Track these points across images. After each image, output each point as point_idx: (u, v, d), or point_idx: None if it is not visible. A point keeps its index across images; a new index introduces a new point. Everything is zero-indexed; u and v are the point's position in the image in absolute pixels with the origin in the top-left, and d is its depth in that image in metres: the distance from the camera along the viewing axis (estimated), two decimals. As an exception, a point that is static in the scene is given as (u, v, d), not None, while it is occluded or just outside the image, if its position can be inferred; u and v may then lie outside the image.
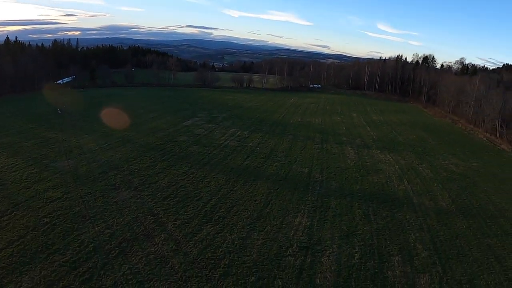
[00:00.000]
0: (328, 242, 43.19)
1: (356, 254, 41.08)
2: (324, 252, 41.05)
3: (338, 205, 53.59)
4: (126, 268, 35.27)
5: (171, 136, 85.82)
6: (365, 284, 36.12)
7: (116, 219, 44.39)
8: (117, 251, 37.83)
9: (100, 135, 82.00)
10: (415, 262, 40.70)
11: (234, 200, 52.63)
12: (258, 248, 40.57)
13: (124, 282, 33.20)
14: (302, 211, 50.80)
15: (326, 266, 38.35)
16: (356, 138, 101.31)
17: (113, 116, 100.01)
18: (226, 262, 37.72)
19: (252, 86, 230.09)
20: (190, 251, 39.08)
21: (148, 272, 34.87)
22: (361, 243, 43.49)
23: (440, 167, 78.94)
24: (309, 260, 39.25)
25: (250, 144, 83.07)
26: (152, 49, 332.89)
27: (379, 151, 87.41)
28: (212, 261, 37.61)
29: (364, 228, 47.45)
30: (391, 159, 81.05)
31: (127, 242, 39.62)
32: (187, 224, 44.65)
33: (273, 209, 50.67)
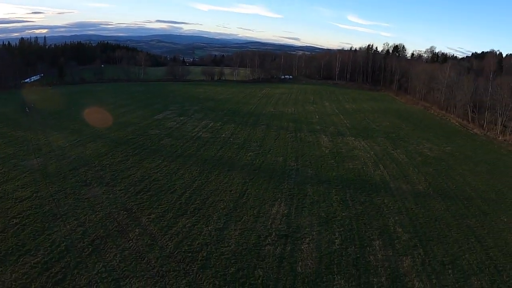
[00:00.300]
0: (307, 229, 42.34)
1: (336, 240, 40.36)
2: (303, 239, 40.17)
3: (315, 192, 52.88)
4: (101, 266, 33.62)
5: (142, 130, 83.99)
6: (347, 270, 35.40)
7: (88, 216, 42.55)
8: (90, 249, 36.08)
9: (70, 131, 79.59)
10: (397, 245, 40.20)
11: (209, 191, 51.38)
12: (236, 239, 39.47)
13: (99, 281, 31.62)
14: (279, 199, 49.87)
15: (306, 254, 37.48)
16: (330, 126, 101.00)
17: (86, 114, 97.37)
18: (204, 254, 36.46)
19: (223, 78, 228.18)
20: (166, 245, 37.70)
21: (124, 269, 33.34)
22: (341, 229, 42.82)
23: (414, 152, 79.00)
24: (289, 248, 38.33)
25: (223, 135, 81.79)
26: (121, 45, 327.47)
27: (353, 138, 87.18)
28: (190, 254, 36.30)
29: (343, 213, 46.81)
30: (366, 146, 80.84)
31: (100, 239, 37.88)
32: (162, 218, 43.22)
33: (249, 198, 49.64)
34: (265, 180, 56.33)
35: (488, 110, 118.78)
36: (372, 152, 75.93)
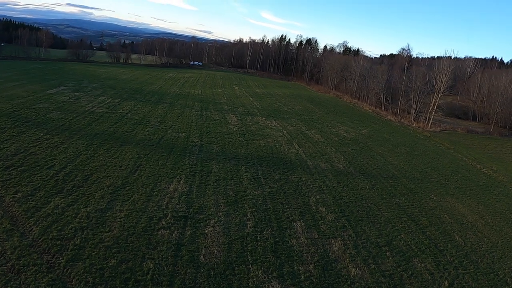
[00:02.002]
0: (212, 209, 34.61)
1: (248, 222, 33.00)
2: (208, 222, 32.39)
3: (222, 169, 45.18)
4: None
5: (29, 103, 72.03)
6: (265, 257, 28.23)
7: None
8: None
9: None
10: (322, 226, 33.76)
11: (94, 167, 41.94)
12: (121, 222, 30.75)
13: None
14: (178, 176, 41.57)
15: (211, 239, 29.74)
16: (239, 107, 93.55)
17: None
18: (77, 242, 27.46)
19: (130, 62, 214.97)
20: (30, 231, 28.23)
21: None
22: (253, 209, 35.50)
23: (330, 133, 73.86)
24: (188, 232, 30.32)
25: (120, 111, 71.85)
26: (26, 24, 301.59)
27: (264, 118, 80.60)
28: (58, 242, 27.12)
29: (255, 192, 39.51)
30: (278, 125, 74.48)
31: None
32: (30, 197, 33.45)
33: (142, 175, 40.91)
34: (162, 155, 47.74)
35: (402, 97, 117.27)
36: (285, 131, 69.58)
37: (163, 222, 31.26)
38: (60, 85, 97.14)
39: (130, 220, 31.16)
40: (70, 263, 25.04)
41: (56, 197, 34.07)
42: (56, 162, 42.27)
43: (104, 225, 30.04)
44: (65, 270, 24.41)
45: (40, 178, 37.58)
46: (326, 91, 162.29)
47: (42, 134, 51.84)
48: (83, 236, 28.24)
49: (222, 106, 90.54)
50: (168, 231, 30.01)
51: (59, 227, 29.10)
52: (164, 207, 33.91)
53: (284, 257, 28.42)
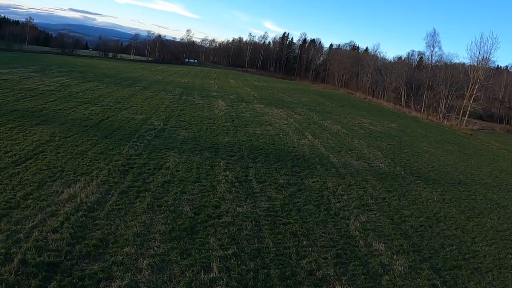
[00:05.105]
0: (123, 256, 14.95)
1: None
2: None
3: (182, 164, 25.40)
4: None
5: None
6: None
7: None
8: None
9: None
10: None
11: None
12: None
13: None
14: (94, 172, 21.91)
15: None
16: (232, 94, 73.33)
17: None
18: None
19: (119, 57, 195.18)
20: None
21: None
22: (228, 252, 15.76)
23: (352, 124, 54.76)
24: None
25: (72, 90, 52.19)
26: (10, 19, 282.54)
27: (263, 106, 61.09)
28: None
29: (238, 209, 19.64)
30: (282, 113, 55.26)
31: None
32: None
33: (31, 167, 21.43)
34: (90, 140, 28.05)
35: (428, 92, 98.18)
36: (292, 119, 50.47)
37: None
38: (19, 67, 77.69)
39: None
40: None
41: None
42: None
43: None
44: None
45: None
46: (335, 88, 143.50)
47: None
48: None
49: (210, 93, 70.41)
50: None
51: None
52: (21, 237, 14.52)
53: None
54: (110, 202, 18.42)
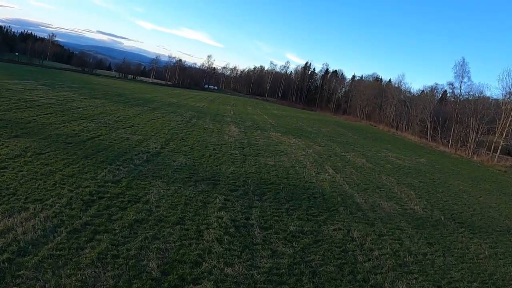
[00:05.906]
0: None
1: None
2: None
3: (167, 199, 19.84)
4: None
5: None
6: None
7: None
8: None
9: None
10: None
11: None
12: None
13: None
14: (47, 201, 16.69)
15: None
16: (247, 121, 68.11)
17: None
18: None
19: (138, 79, 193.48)
20: None
21: None
22: None
23: (377, 158, 49.19)
24: None
25: (72, 105, 47.80)
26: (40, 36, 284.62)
27: (279, 134, 55.61)
28: None
29: (227, 270, 14.29)
30: (300, 143, 49.86)
31: None
32: None
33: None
34: (65, 160, 22.96)
35: (457, 124, 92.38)
36: (310, 150, 44.94)
37: None
38: (31, 80, 74.77)
39: None
40: None
41: None
42: None
43: None
44: None
45: None
46: (357, 120, 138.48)
47: None
48: None
49: (224, 118, 65.37)
50: None
51: None
52: None
53: None
54: (51, 244, 13.25)
